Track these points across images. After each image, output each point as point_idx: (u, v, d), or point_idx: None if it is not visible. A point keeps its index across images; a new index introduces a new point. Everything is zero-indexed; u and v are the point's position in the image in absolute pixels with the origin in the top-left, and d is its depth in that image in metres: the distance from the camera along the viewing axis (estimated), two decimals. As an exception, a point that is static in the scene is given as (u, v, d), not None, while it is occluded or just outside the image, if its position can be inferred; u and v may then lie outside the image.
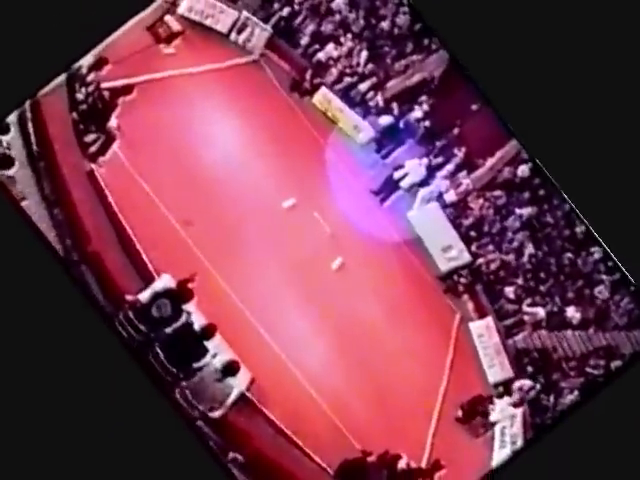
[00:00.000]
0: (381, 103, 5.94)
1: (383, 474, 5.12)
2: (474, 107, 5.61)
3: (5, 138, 5.21)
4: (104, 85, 5.35)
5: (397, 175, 5.85)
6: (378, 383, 5.52)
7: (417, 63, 5.88)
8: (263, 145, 5.96)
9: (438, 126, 5.78)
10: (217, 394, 5.06)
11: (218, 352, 5.07)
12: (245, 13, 5.86)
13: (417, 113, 5.83)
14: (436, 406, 5.59)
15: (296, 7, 5.84)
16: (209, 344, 5.08)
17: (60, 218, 5.14)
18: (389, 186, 5.89)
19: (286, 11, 5.86)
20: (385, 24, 5.87)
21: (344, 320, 5.66)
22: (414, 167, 5.83)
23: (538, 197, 5.64)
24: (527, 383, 5.44)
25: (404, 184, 5.85)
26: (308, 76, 5.96)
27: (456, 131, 5.80)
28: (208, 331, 5.08)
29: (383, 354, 5.63)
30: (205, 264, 5.30)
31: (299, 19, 5.90)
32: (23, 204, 5.15)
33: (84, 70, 5.32)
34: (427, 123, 5.80)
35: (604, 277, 5.49)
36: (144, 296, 5.10)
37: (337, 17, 5.91)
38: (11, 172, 5.17)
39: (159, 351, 5.06)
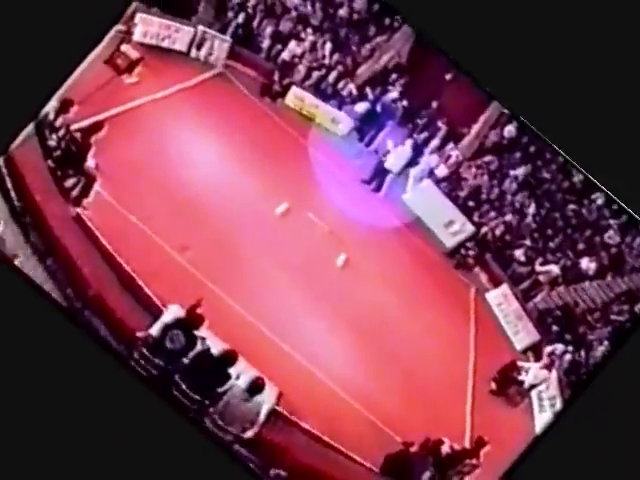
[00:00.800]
0: (354, 91, 5.91)
1: (429, 461, 5.05)
2: (448, 77, 5.56)
3: (-15, 199, 5.15)
4: (74, 127, 5.29)
5: (384, 160, 5.82)
6: (406, 372, 5.47)
7: (382, 44, 5.86)
8: (244, 155, 5.92)
9: (416, 103, 5.75)
10: (247, 414, 4.99)
11: (241, 372, 5.00)
12: (201, 27, 5.83)
13: (392, 94, 5.79)
14: (468, 383, 5.54)
15: (250, 11, 5.81)
16: (230, 366, 5.02)
17: (55, 268, 5.07)
18: (379, 172, 5.85)
19: (241, 17, 5.82)
20: (343, 11, 5.84)
21: (360, 315, 5.60)
22: (400, 149, 5.79)
23: (530, 154, 5.60)
24: (559, 347, 5.37)
25: (393, 167, 5.82)
26: (276, 78, 5.93)
27: (435, 104, 5.77)
28: (228, 354, 5.01)
29: (405, 342, 5.58)
30: (209, 286, 5.24)
31: (256, 23, 5.87)
32: (16, 262, 5.08)
33: (51, 115, 5.25)
34: (404, 102, 5.76)
35: (611, 222, 5.43)
36: (155, 330, 5.03)
37: (294, 13, 5.89)
38: (-2, 233, 5.10)
39: (180, 382, 4.99)
